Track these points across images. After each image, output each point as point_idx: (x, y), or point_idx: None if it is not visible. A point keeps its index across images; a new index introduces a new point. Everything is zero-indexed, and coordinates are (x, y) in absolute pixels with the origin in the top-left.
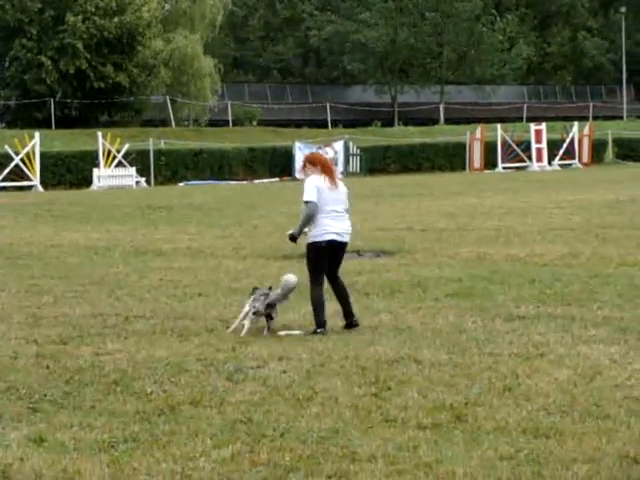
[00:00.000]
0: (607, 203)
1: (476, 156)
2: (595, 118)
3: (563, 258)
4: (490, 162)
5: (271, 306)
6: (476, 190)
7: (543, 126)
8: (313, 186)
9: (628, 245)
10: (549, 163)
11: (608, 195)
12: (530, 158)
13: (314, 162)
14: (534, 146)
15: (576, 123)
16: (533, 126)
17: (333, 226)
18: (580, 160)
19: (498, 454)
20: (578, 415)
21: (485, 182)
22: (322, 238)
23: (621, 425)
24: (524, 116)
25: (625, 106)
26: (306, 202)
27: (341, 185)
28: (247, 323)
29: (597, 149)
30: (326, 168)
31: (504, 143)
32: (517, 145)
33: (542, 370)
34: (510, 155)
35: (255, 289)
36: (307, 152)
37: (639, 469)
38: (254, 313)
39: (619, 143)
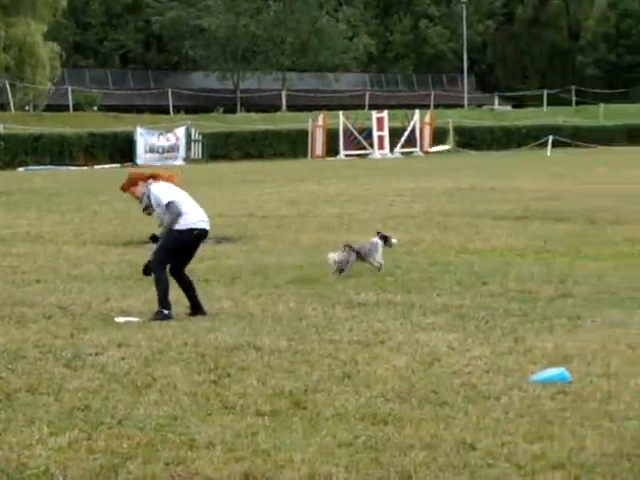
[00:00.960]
0: (448, 191)
1: (318, 143)
2: (436, 106)
3: (404, 245)
4: (332, 149)
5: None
6: (318, 177)
7: (385, 114)
8: (166, 188)
9: (468, 233)
10: (391, 151)
11: (449, 183)
12: (372, 146)
13: (141, 178)
14: (376, 134)
15: (417, 111)
16: (375, 114)
17: (202, 215)
18: (421, 148)
19: (336, 441)
20: (416, 402)
21: (327, 169)
22: (196, 226)
23: (458, 412)
24: (366, 104)
25: (466, 95)
26: (168, 204)
27: None
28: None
29: (438, 137)
30: (157, 175)
31: (346, 130)
32: (359, 132)
33: (381, 357)
34: (352, 142)
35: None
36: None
37: (476, 455)
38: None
39: (460, 131)
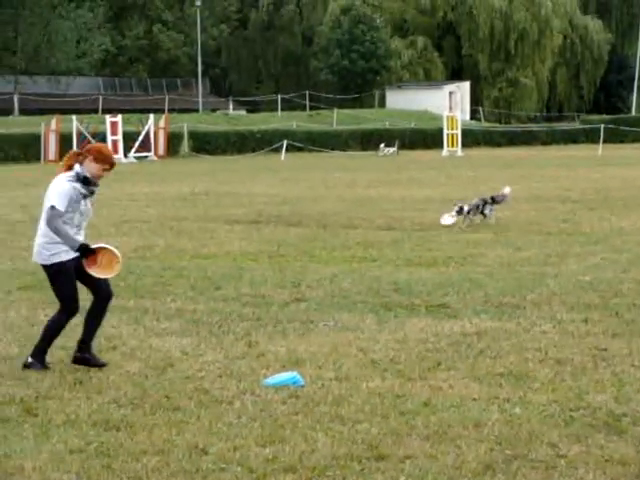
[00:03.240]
0: (182, 196)
1: (51, 147)
2: (171, 111)
3: (137, 251)
4: (66, 154)
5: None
6: (51, 182)
7: (119, 118)
8: None
9: (201, 237)
10: (125, 156)
11: (183, 188)
12: None
13: None
14: (110, 138)
15: (152, 115)
16: (109, 118)
17: None
18: (156, 153)
19: (68, 447)
20: (149, 407)
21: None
22: None
23: (191, 417)
24: (100, 108)
25: (200, 99)
26: None
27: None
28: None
29: (173, 142)
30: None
31: (80, 135)
32: (93, 137)
33: (114, 363)
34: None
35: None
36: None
37: (208, 460)
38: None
39: (194, 136)
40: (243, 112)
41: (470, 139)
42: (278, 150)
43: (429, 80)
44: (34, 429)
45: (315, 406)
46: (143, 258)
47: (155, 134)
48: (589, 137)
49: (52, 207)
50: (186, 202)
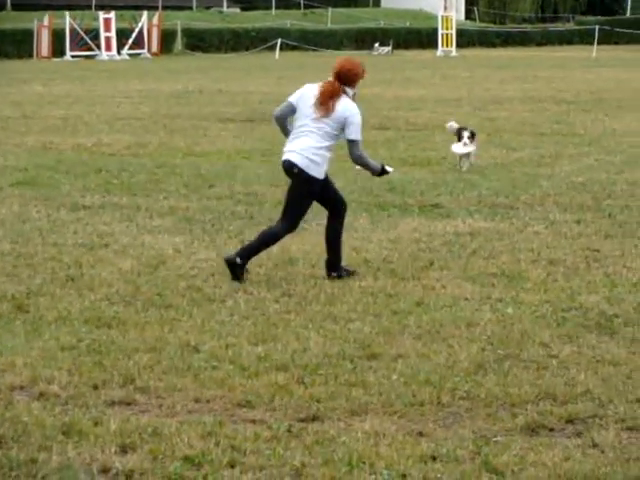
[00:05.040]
0: (175, 93)
1: (44, 44)
2: (165, 8)
3: (130, 148)
4: (58, 50)
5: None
6: (44, 78)
7: (112, 14)
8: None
9: (195, 135)
10: (118, 52)
11: (176, 85)
12: (99, 47)
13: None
14: (103, 35)
15: (145, 12)
16: (102, 14)
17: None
18: (149, 50)
19: (59, 344)
20: (141, 305)
21: (53, 70)
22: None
23: (183, 315)
24: (93, 4)
25: None
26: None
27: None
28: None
29: (167, 39)
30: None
31: (72, 31)
32: (86, 33)
33: (106, 260)
34: (79, 43)
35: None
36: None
37: (200, 357)
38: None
39: (188, 33)
40: (237, 10)
41: (465, 39)
42: (272, 49)
43: None
44: (25, 326)
45: (307, 305)
46: (136, 155)
47: (148, 31)
48: (583, 38)
49: (356, 142)
50: (179, 100)
